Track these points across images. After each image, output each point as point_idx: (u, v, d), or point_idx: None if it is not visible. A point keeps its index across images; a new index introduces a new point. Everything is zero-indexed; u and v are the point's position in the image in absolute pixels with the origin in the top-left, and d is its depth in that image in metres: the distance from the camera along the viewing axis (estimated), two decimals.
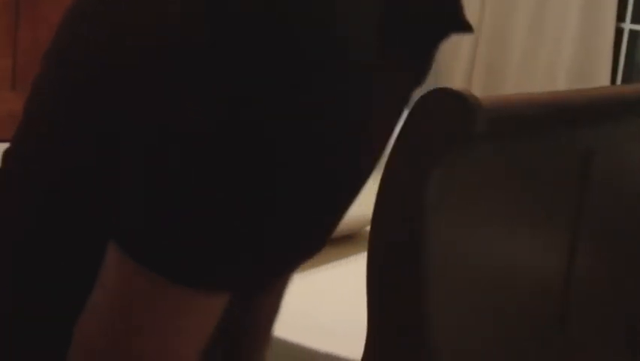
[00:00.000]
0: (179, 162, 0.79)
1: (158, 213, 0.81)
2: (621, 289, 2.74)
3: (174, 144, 0.79)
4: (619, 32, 4.32)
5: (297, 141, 0.79)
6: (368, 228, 2.02)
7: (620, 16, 4.31)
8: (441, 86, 1.96)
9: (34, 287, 0.94)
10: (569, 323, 2.47)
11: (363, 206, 2.75)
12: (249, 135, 0.78)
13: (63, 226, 0.92)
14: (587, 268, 2.49)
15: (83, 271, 0.88)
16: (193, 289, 0.83)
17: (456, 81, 4.50)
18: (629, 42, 4.36)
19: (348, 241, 2.95)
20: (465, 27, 1.02)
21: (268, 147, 0.78)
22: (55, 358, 0.87)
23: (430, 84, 4.64)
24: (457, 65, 4.56)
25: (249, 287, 0.89)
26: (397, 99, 1.00)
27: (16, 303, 0.96)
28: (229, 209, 0.80)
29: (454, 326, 2.06)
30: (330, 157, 0.83)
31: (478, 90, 4.36)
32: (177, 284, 0.82)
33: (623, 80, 4.40)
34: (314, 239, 0.88)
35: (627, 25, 4.34)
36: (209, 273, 0.83)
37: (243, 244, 0.81)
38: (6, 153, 1.01)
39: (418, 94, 1.94)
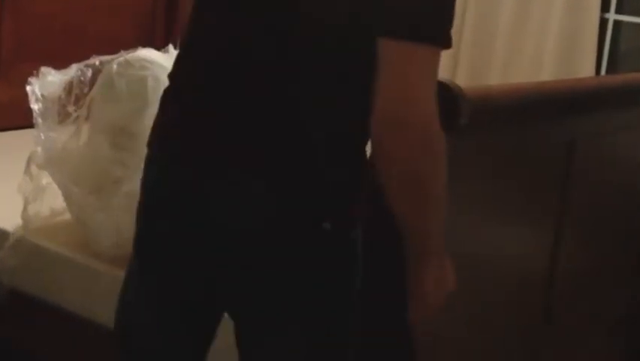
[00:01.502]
0: None
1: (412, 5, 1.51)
2: (605, 277, 2.75)
3: None
4: (603, 23, 4.33)
5: None
6: None
7: (605, 7, 4.32)
8: None
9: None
10: (554, 313, 2.48)
11: None
12: None
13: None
14: (572, 257, 2.50)
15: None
16: (436, 47, 1.54)
17: (440, 71, 4.49)
18: (613, 32, 4.37)
19: None
20: None
21: None
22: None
23: None
24: (442, 54, 4.55)
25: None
26: None
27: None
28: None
29: (438, 311, 2.06)
30: None
31: (463, 81, 4.36)
32: (428, 45, 1.53)
33: (608, 71, 4.41)
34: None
35: (611, 16, 4.35)
36: (441, 36, 1.54)
37: (449, 16, 1.56)
38: None
39: None
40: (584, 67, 4.28)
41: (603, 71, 4.42)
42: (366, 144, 1.64)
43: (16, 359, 2.70)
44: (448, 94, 1.84)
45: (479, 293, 2.18)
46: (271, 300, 1.63)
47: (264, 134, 1.59)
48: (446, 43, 1.56)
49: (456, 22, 4.39)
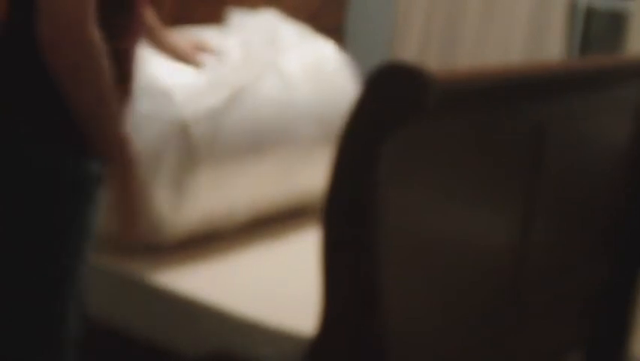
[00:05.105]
0: None
1: None
2: (573, 260, 2.77)
3: None
4: (574, 7, 4.33)
5: None
6: (318, 202, 2.02)
7: None
8: (395, 60, 1.95)
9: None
10: (522, 295, 2.49)
11: (312, 180, 2.75)
12: None
13: None
14: (540, 240, 2.51)
15: None
16: None
17: (410, 54, 4.49)
18: (585, 17, 4.38)
19: (298, 216, 2.96)
20: None
21: None
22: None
23: (384, 57, 4.69)
24: (411, 39, 4.55)
25: None
26: None
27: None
28: None
29: (406, 295, 2.06)
30: None
31: (432, 64, 4.35)
32: None
33: (579, 56, 4.41)
34: None
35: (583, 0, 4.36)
36: None
37: None
38: None
39: (372, 68, 1.94)
40: (552, 52, 4.29)
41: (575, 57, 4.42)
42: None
43: None
44: (416, 77, 1.83)
45: (447, 276, 2.19)
46: None
47: None
48: None
49: (425, 4, 4.41)
